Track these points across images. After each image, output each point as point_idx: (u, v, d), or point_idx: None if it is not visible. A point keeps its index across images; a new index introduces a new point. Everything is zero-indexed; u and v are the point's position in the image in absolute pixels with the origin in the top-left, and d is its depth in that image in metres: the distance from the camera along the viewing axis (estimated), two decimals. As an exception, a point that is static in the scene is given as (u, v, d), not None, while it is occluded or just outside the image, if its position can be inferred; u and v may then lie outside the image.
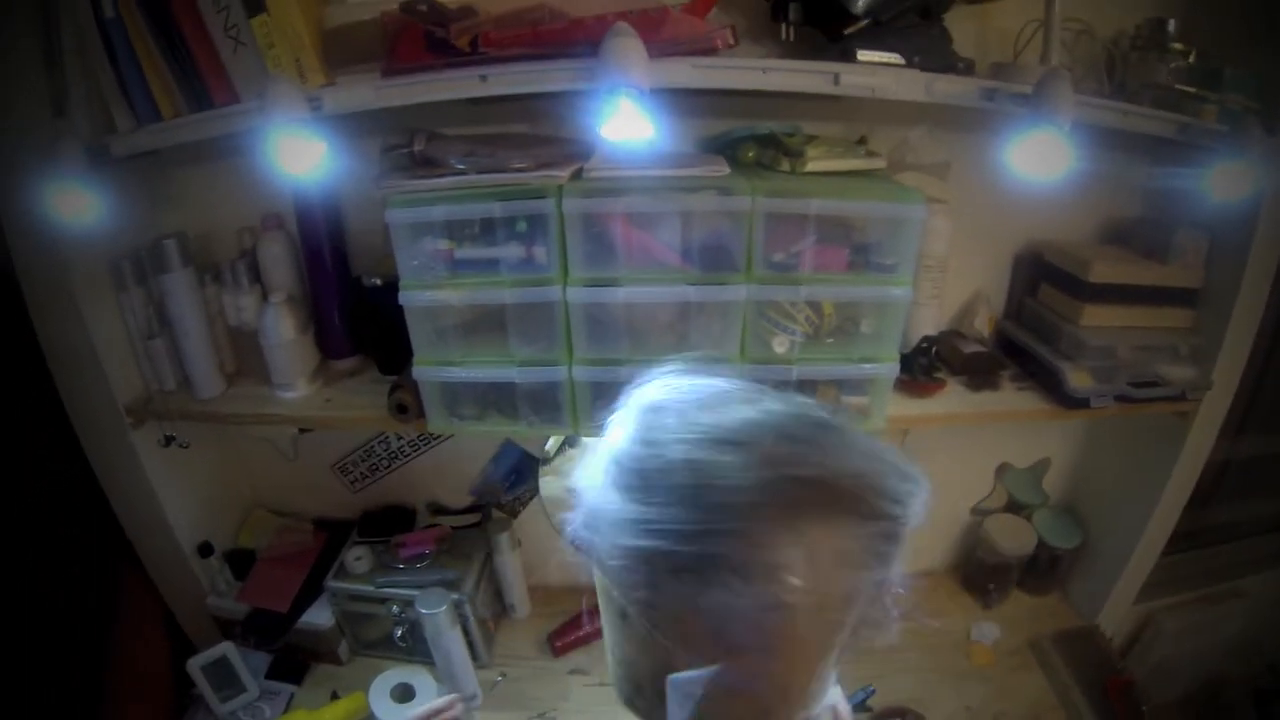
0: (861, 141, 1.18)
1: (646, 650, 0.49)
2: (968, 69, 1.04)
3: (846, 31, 0.97)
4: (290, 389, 1.23)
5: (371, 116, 0.96)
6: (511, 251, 1.03)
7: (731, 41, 0.93)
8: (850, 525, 0.45)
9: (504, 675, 1.41)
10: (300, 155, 0.90)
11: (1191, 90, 1.03)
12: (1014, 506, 1.59)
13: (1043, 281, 1.32)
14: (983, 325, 1.35)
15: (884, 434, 1.20)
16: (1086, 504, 1.58)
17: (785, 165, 1.08)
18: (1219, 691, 1.82)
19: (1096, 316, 1.21)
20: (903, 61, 0.96)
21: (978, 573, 1.57)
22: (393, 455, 1.50)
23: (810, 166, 1.06)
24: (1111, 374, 1.21)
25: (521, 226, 1.02)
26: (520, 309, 1.06)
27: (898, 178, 1.17)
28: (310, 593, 1.39)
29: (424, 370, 1.10)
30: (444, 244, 1.04)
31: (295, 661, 1.40)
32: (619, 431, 0.51)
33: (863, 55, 0.95)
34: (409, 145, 1.04)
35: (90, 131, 1.00)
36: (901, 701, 1.32)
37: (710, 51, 0.92)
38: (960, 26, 1.05)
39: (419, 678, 1.32)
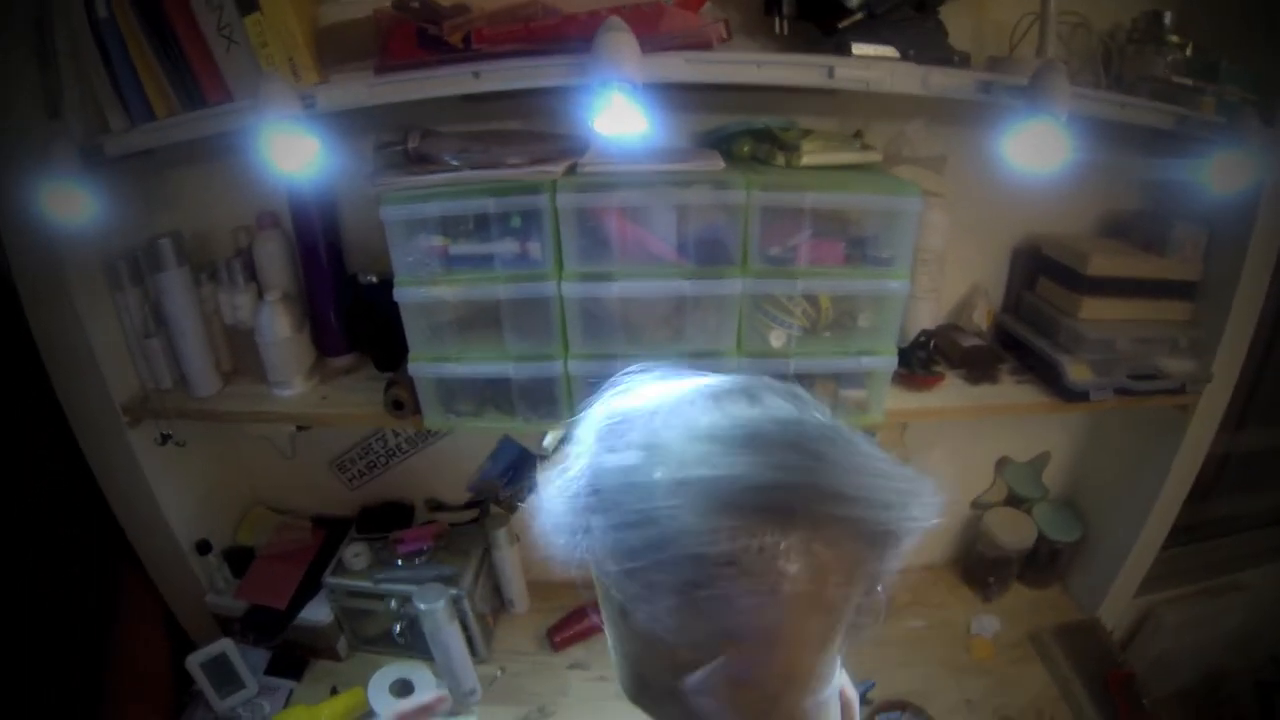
0: (857, 135, 1.18)
1: (648, 646, 0.49)
2: (963, 62, 1.03)
3: (841, 25, 0.96)
4: (287, 387, 1.23)
5: (365, 114, 0.96)
6: (506, 247, 1.03)
7: (725, 36, 0.93)
8: (847, 525, 0.45)
9: (503, 670, 1.41)
10: (294, 153, 0.91)
11: (1188, 83, 1.02)
12: (1014, 500, 1.59)
13: (1041, 275, 1.32)
14: (981, 319, 1.35)
15: (882, 427, 1.20)
16: (1086, 497, 1.58)
17: (780, 159, 1.08)
18: (1219, 684, 1.83)
19: (1095, 310, 1.21)
20: (898, 55, 0.96)
21: (978, 566, 1.57)
22: (390, 452, 1.50)
23: (806, 160, 1.06)
24: (1111, 367, 1.20)
25: (516, 222, 1.02)
26: (515, 304, 1.06)
27: (894, 171, 1.17)
28: (309, 589, 1.39)
29: (420, 366, 1.10)
30: (439, 240, 1.04)
31: (294, 658, 1.40)
32: (589, 444, 0.51)
33: (857, 49, 0.95)
34: (403, 142, 1.04)
35: (85, 132, 1.00)
36: (902, 695, 1.32)
37: (704, 46, 0.92)
38: (956, 19, 1.05)
39: (418, 673, 1.32)
